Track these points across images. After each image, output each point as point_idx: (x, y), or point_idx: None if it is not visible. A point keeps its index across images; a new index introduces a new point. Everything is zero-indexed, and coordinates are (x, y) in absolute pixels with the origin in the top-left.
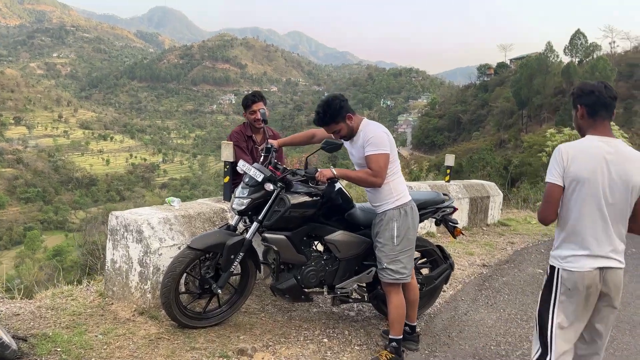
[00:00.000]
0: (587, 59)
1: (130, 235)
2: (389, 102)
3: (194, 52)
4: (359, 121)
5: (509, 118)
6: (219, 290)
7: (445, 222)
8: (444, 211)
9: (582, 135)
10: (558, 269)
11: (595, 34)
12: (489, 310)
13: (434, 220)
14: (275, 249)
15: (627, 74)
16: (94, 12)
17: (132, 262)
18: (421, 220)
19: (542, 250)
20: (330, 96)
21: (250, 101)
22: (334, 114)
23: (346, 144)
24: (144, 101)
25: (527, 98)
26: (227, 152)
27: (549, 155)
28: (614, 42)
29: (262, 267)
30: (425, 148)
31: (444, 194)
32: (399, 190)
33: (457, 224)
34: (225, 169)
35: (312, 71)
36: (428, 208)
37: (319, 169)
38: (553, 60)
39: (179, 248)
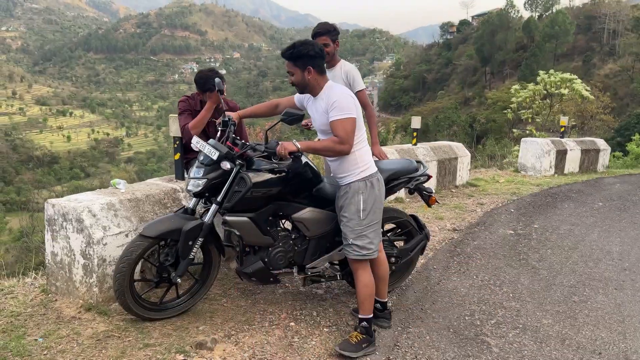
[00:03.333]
0: (547, 13)
1: (69, 225)
2: (354, 64)
3: (151, 20)
4: (323, 83)
5: (473, 75)
6: (178, 280)
7: (419, 190)
8: (417, 180)
9: None
10: None
11: None
12: (462, 277)
13: (406, 189)
14: (238, 233)
15: (585, 26)
16: None
17: (74, 254)
18: (394, 191)
19: (512, 210)
20: (310, 41)
21: (213, 86)
22: (297, 55)
23: (309, 109)
24: (102, 73)
25: (490, 55)
26: (176, 126)
27: (514, 111)
28: None
29: (225, 250)
30: (392, 109)
31: (418, 161)
32: (365, 161)
33: (432, 192)
34: (175, 145)
35: (275, 35)
36: (401, 178)
37: (280, 143)
38: (514, 16)
39: (127, 236)
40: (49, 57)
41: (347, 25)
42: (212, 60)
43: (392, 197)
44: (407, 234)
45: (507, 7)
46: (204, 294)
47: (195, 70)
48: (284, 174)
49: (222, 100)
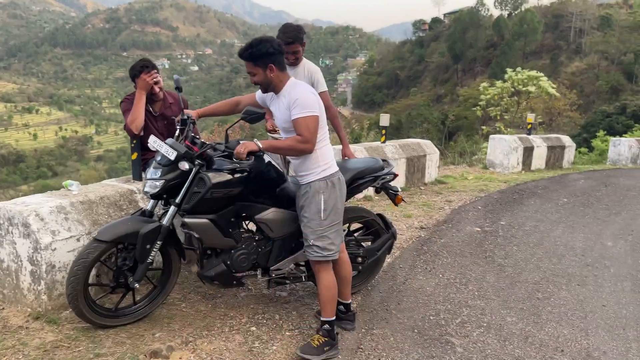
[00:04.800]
0: (516, 12)
1: (15, 230)
2: (327, 62)
3: (121, 15)
4: (285, 80)
5: (445, 73)
6: (136, 285)
7: (386, 189)
8: (383, 179)
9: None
10: None
11: None
12: (428, 276)
13: (373, 188)
14: (197, 236)
15: (553, 25)
16: None
17: (21, 261)
18: (360, 191)
19: (479, 207)
20: (268, 38)
21: (137, 71)
22: (257, 54)
23: (271, 107)
24: (70, 69)
25: (461, 52)
26: None
27: (483, 109)
28: None
29: (186, 253)
30: (366, 106)
31: (383, 160)
32: (326, 159)
33: (398, 191)
34: (132, 145)
35: (248, 32)
36: (366, 177)
37: (240, 142)
38: (484, 14)
39: (78, 240)
40: (14, 52)
41: (321, 22)
42: (183, 56)
43: (360, 195)
44: (374, 233)
45: (478, 6)
46: (163, 300)
47: (167, 67)
48: (245, 173)
49: (180, 98)
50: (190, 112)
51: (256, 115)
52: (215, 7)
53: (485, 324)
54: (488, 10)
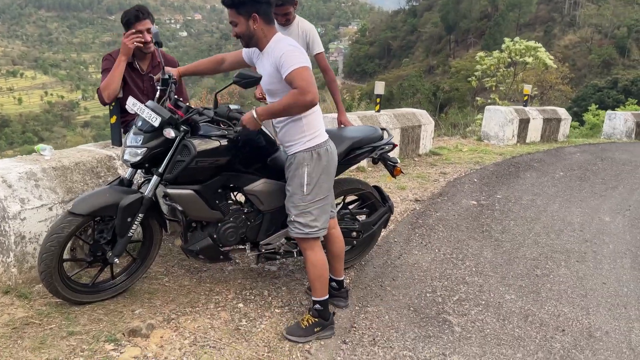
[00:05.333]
0: None
1: None
2: (319, 29)
3: None
4: (270, 35)
5: (438, 43)
6: (116, 260)
7: (384, 160)
8: (382, 149)
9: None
10: None
11: None
12: (423, 251)
13: (369, 158)
14: (180, 208)
15: None
16: None
17: None
18: (357, 161)
19: (475, 180)
20: None
21: (133, 18)
22: (241, 1)
23: (257, 65)
24: (55, 32)
25: (455, 22)
26: None
27: (478, 79)
28: None
29: (169, 224)
30: (357, 76)
31: (382, 129)
32: (313, 128)
33: (397, 163)
34: (111, 107)
35: None
36: (364, 147)
37: (229, 106)
38: None
39: (50, 209)
40: None
41: None
42: (172, 21)
43: (353, 166)
44: (370, 206)
45: None
46: (143, 274)
47: (154, 31)
48: (233, 141)
49: (158, 53)
50: (172, 70)
51: (251, 80)
52: None
53: (483, 302)
54: None
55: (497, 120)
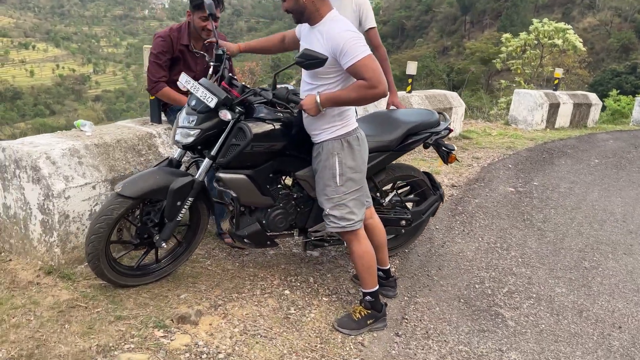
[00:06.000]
0: None
1: (24, 174)
2: None
3: None
4: (324, 10)
5: (452, 24)
6: (163, 244)
7: (438, 146)
8: (437, 134)
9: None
10: None
11: None
12: (466, 239)
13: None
14: (234, 194)
15: None
16: None
17: (30, 208)
18: (412, 148)
19: (510, 166)
20: None
21: (200, 4)
22: None
23: (302, 40)
24: (67, 5)
25: (470, 3)
26: None
27: (503, 61)
28: None
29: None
30: None
31: (439, 112)
32: (343, 115)
33: (453, 149)
34: None
35: None
36: (421, 133)
37: (288, 88)
38: None
39: (94, 188)
40: None
41: None
42: None
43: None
44: (421, 194)
45: None
46: (188, 258)
47: (167, 7)
48: (289, 124)
49: (215, 31)
50: (228, 45)
51: (317, 61)
52: None
53: (534, 295)
54: None
55: (527, 105)
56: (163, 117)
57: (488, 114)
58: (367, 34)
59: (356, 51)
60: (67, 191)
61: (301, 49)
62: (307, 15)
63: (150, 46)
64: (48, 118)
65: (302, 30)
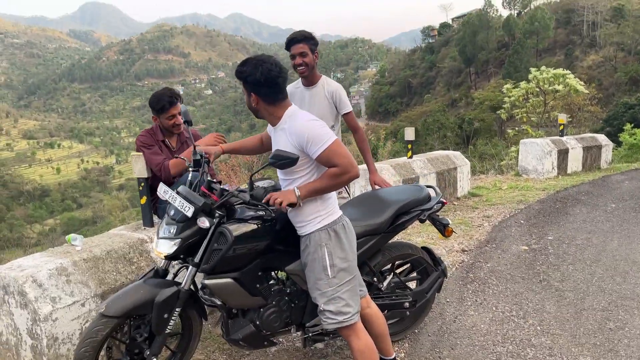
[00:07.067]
0: (525, 10)
1: (12, 299)
2: (338, 75)
3: (134, 46)
4: (279, 113)
5: (458, 77)
6: (154, 359)
7: (434, 221)
8: (430, 209)
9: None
10: None
11: None
12: (480, 310)
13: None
14: (219, 302)
15: (564, 20)
16: (21, 16)
17: (20, 334)
18: (404, 228)
19: (522, 222)
20: (253, 61)
21: (167, 103)
22: (239, 77)
23: (272, 141)
24: (88, 103)
25: (473, 55)
26: (140, 165)
27: (507, 111)
28: None
29: (207, 312)
30: (380, 116)
31: (428, 186)
32: (326, 204)
33: (448, 223)
34: (140, 188)
35: (258, 52)
36: (412, 211)
37: (265, 187)
38: (493, 15)
39: (83, 305)
40: (33, 90)
41: (330, 36)
42: (197, 81)
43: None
44: (422, 271)
45: (486, 7)
46: None
47: (182, 93)
48: (271, 222)
49: (189, 132)
50: (209, 148)
51: (288, 161)
52: (225, 31)
53: None
54: (497, 10)
55: (535, 153)
56: (155, 220)
57: (499, 165)
58: (345, 118)
59: (322, 139)
60: (55, 313)
61: (272, 150)
62: (262, 116)
63: (139, 154)
64: (76, 212)
65: (269, 130)
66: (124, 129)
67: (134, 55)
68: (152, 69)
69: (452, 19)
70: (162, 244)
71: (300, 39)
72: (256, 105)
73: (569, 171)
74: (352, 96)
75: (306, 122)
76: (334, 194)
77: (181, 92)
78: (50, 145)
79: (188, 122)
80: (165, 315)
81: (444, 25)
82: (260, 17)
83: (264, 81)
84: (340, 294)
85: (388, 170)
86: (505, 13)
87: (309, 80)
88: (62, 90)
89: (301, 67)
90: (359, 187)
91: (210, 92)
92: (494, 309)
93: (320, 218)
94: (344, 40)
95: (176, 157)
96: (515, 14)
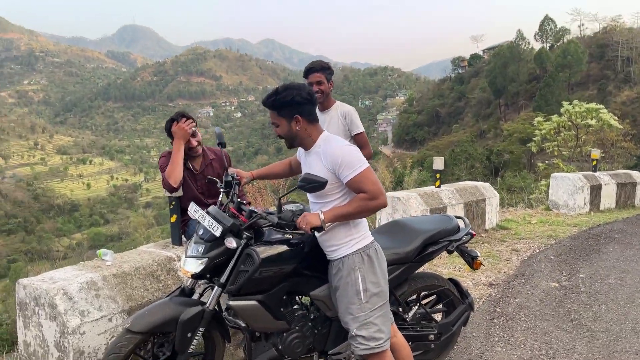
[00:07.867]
0: (558, 44)
1: (42, 311)
2: (367, 102)
3: (167, 67)
4: (315, 135)
5: (487, 108)
6: None
7: (462, 253)
8: (458, 240)
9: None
10: None
11: (564, 18)
12: (507, 347)
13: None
14: (243, 324)
15: (598, 55)
16: (62, 36)
17: (47, 346)
18: (431, 258)
19: (552, 257)
20: (296, 84)
21: (178, 117)
22: (282, 102)
23: (302, 164)
24: (121, 121)
25: (503, 87)
26: None
27: (538, 144)
28: (582, 24)
29: (231, 334)
30: (407, 145)
31: (458, 217)
32: (360, 228)
33: (477, 256)
34: (171, 206)
35: (288, 77)
36: (440, 242)
37: (293, 211)
38: (525, 48)
39: (110, 320)
40: (69, 107)
41: (359, 64)
42: (227, 103)
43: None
44: (448, 304)
45: (518, 40)
46: None
47: (212, 115)
48: (299, 245)
49: (225, 158)
50: (241, 172)
51: (316, 185)
52: (257, 56)
53: None
54: (529, 43)
55: (566, 188)
56: (183, 239)
57: (528, 199)
58: (355, 139)
59: (355, 165)
60: (82, 326)
61: (302, 173)
62: (299, 141)
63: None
64: (103, 227)
65: (300, 154)
66: (154, 148)
67: (167, 76)
68: (184, 91)
69: (483, 51)
70: (189, 263)
71: (318, 69)
72: (297, 128)
73: (601, 208)
74: (379, 123)
75: (341, 147)
76: (365, 219)
77: (211, 114)
78: (82, 161)
79: (222, 144)
80: (189, 335)
81: (474, 56)
82: (291, 43)
83: (309, 98)
84: (373, 319)
85: (415, 199)
86: (537, 46)
87: (324, 105)
88: (97, 109)
89: (317, 94)
90: (385, 215)
91: (239, 114)
92: (522, 346)
93: (354, 242)
94: (374, 68)
95: (208, 178)
96: (548, 47)
